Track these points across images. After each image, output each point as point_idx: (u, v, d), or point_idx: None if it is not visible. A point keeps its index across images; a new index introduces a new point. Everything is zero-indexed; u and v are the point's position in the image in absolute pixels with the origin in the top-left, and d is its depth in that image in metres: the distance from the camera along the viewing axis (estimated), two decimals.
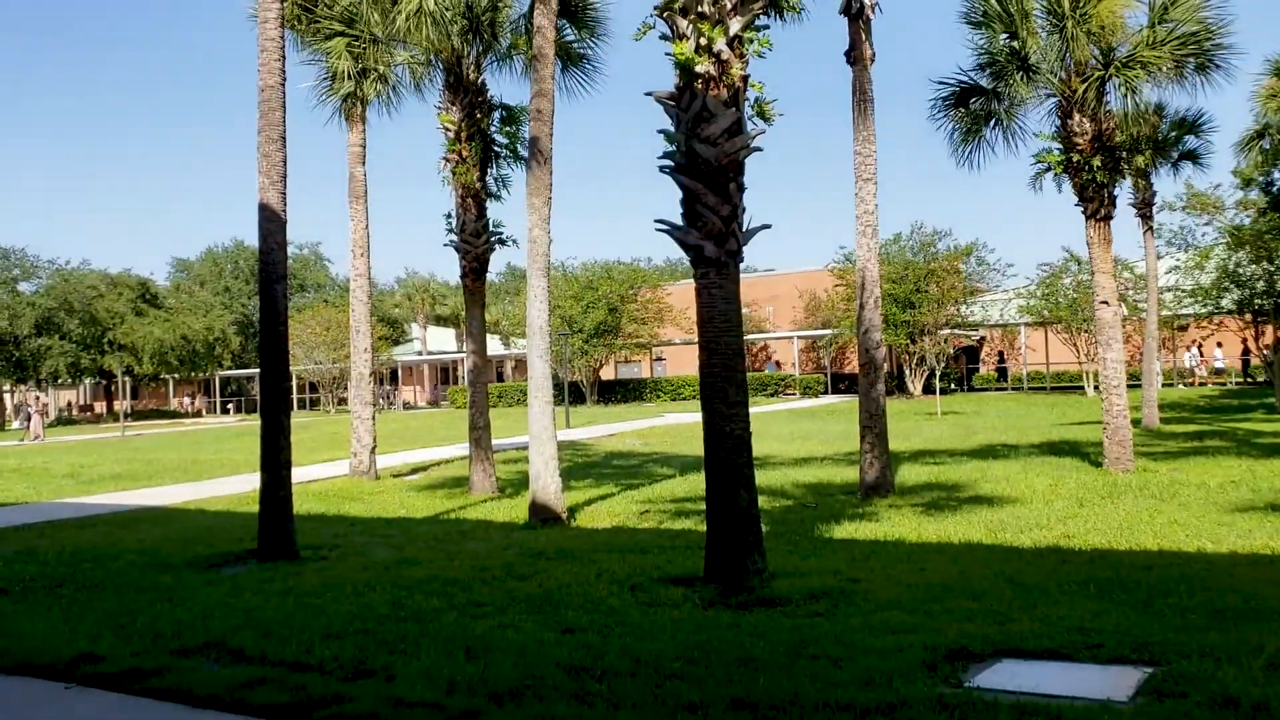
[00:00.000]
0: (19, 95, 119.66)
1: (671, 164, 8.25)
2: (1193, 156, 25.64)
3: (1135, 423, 18.48)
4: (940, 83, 16.74)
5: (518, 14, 16.91)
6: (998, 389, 47.02)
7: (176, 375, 64.76)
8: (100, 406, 68.36)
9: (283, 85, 10.71)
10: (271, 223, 10.60)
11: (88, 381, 68.47)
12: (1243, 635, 5.87)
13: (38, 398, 56.40)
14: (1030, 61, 15.88)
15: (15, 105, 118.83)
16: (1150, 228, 27.15)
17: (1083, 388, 41.56)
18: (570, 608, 7.27)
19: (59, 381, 64.03)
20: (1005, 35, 16.18)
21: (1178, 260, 38.09)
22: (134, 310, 61.06)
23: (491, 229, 16.78)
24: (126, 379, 59.17)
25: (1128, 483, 14.03)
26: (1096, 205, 15.94)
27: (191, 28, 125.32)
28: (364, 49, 17.76)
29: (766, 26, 8.47)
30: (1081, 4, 15.11)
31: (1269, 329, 37.00)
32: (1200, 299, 37.55)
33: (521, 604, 7.48)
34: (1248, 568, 8.15)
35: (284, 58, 10.77)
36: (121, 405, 53.45)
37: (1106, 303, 16.03)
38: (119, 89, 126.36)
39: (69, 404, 74.04)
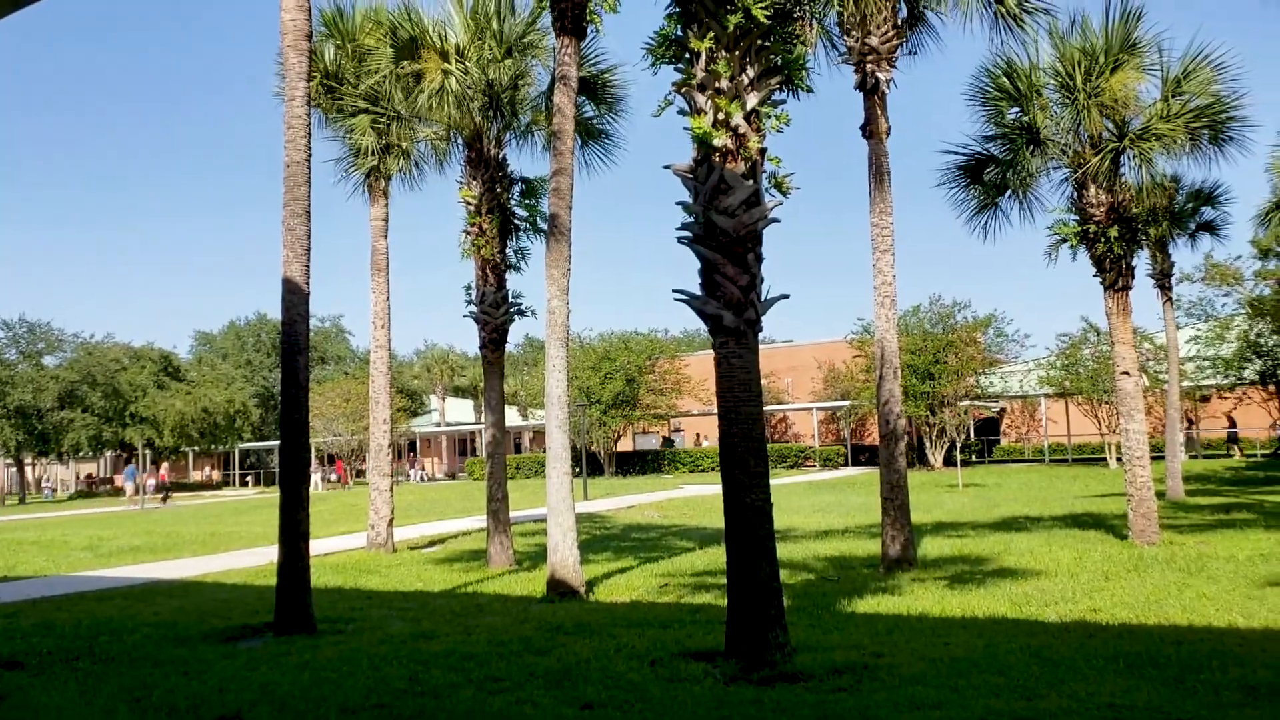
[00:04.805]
0: (43, 167, 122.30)
1: (690, 235, 8.32)
2: (1210, 228, 25.68)
3: (1159, 494, 18.24)
4: (953, 153, 16.89)
5: (538, 92, 17.26)
6: (1018, 461, 46.61)
7: (197, 448, 64.99)
8: (120, 480, 68.51)
9: (308, 161, 10.91)
10: (294, 295, 10.72)
11: (109, 454, 68.77)
12: (1278, 712, 5.73)
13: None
14: (1041, 135, 16.04)
15: (39, 178, 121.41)
16: (1169, 298, 27.11)
17: (1105, 459, 41.18)
18: (589, 683, 7.17)
19: (80, 454, 64.31)
20: (1015, 110, 16.37)
21: (1198, 331, 37.98)
22: (156, 383, 61.51)
23: (511, 300, 16.89)
24: (147, 451, 59.43)
25: (1154, 556, 13.81)
26: (1114, 276, 15.95)
27: (217, 102, 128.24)
28: (387, 126, 18.09)
29: (783, 101, 8.61)
30: (1093, 78, 15.29)
31: None
32: (1222, 370, 37.36)
33: (539, 679, 7.38)
34: None
35: (309, 135, 10.98)
36: (141, 478, 53.56)
37: (1128, 373, 15.95)
38: (142, 162, 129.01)
39: (89, 476, 74.29)
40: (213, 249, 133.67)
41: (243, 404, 64.35)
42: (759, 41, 8.34)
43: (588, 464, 41.46)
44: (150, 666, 8.47)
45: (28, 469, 67.21)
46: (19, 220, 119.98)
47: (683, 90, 8.48)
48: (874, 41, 14.27)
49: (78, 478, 74.30)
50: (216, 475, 72.96)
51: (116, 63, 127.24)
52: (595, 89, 16.56)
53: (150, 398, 59.82)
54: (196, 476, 72.13)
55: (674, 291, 8.44)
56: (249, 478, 69.37)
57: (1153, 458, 17.60)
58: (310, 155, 10.96)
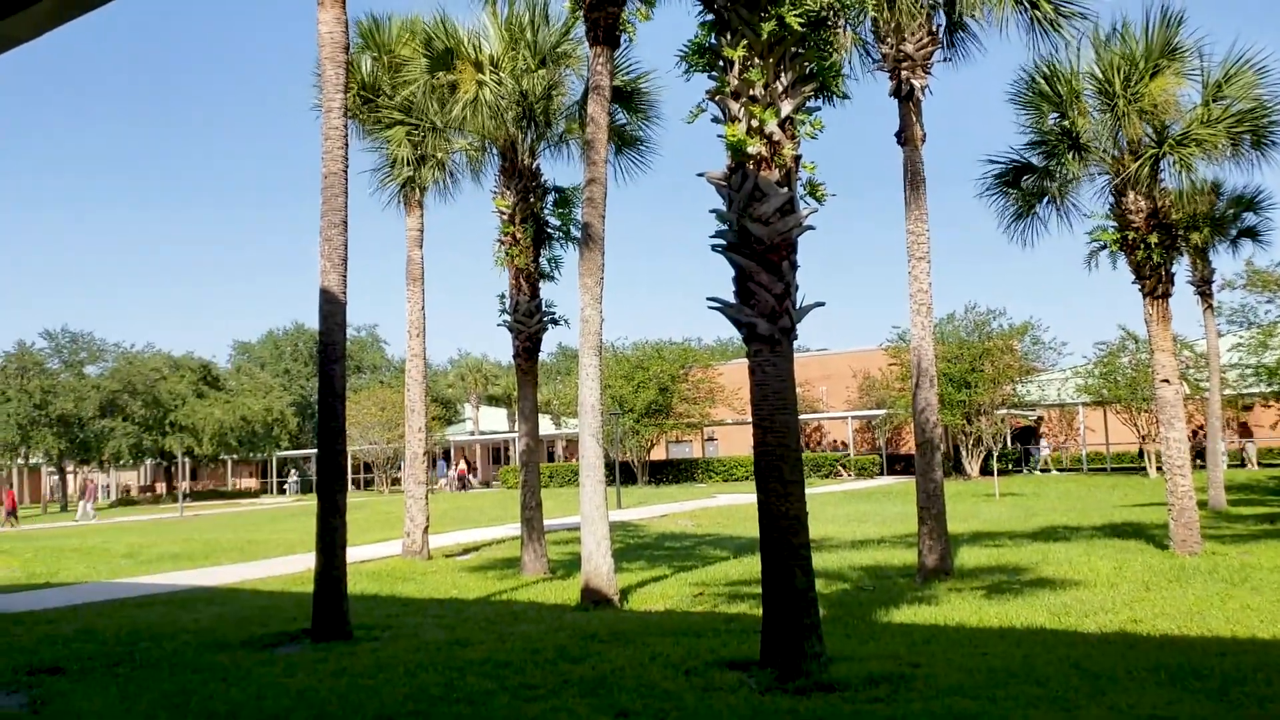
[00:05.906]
0: (83, 180, 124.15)
1: (724, 243, 8.31)
2: (1252, 234, 25.32)
3: (1201, 504, 17.97)
4: (991, 161, 16.84)
5: (571, 101, 17.34)
6: (1057, 470, 46.08)
7: (235, 456, 65.69)
8: (160, 487, 69.37)
9: (345, 172, 11.02)
10: (332, 305, 10.82)
11: (149, 462, 69.64)
12: None
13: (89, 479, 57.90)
14: (1081, 140, 15.89)
15: (80, 191, 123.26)
16: (1210, 305, 26.73)
17: (1144, 468, 40.59)
18: (624, 691, 7.16)
19: (121, 463, 65.18)
20: (1055, 115, 16.24)
21: (1240, 338, 37.37)
22: (195, 392, 62.22)
23: (544, 309, 16.96)
24: (186, 460, 60.10)
25: (1195, 566, 13.60)
26: (1154, 283, 15.76)
27: (254, 114, 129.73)
28: (423, 137, 18.23)
29: (818, 108, 8.58)
30: (1133, 83, 15.14)
31: None
32: (1265, 378, 36.75)
33: (574, 687, 7.38)
34: None
35: (346, 146, 11.09)
36: (180, 486, 54.22)
37: (1168, 381, 15.74)
38: (181, 175, 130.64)
39: (130, 485, 75.27)
40: (251, 259, 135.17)
41: (280, 412, 64.96)
42: (793, 49, 8.32)
43: (621, 473, 41.47)
44: (190, 673, 8.56)
45: (69, 477, 68.20)
46: (62, 233, 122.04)
47: (716, 98, 8.48)
48: (909, 48, 14.21)
49: (118, 487, 75.24)
50: (254, 483, 73.71)
51: (153, 74, 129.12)
52: (628, 97, 16.61)
53: (189, 406, 60.51)
54: (234, 484, 72.92)
55: (708, 300, 8.44)
56: (286, 485, 69.97)
57: (1194, 466, 17.34)
58: (347, 166, 11.06)
